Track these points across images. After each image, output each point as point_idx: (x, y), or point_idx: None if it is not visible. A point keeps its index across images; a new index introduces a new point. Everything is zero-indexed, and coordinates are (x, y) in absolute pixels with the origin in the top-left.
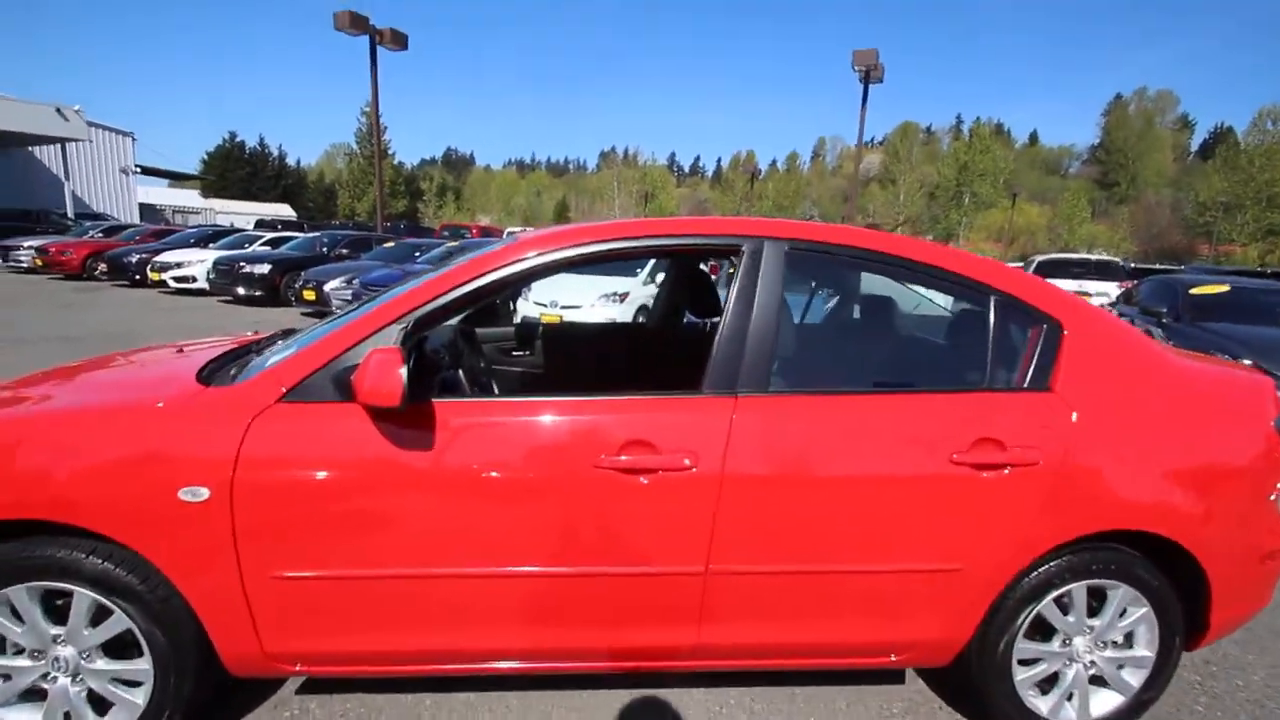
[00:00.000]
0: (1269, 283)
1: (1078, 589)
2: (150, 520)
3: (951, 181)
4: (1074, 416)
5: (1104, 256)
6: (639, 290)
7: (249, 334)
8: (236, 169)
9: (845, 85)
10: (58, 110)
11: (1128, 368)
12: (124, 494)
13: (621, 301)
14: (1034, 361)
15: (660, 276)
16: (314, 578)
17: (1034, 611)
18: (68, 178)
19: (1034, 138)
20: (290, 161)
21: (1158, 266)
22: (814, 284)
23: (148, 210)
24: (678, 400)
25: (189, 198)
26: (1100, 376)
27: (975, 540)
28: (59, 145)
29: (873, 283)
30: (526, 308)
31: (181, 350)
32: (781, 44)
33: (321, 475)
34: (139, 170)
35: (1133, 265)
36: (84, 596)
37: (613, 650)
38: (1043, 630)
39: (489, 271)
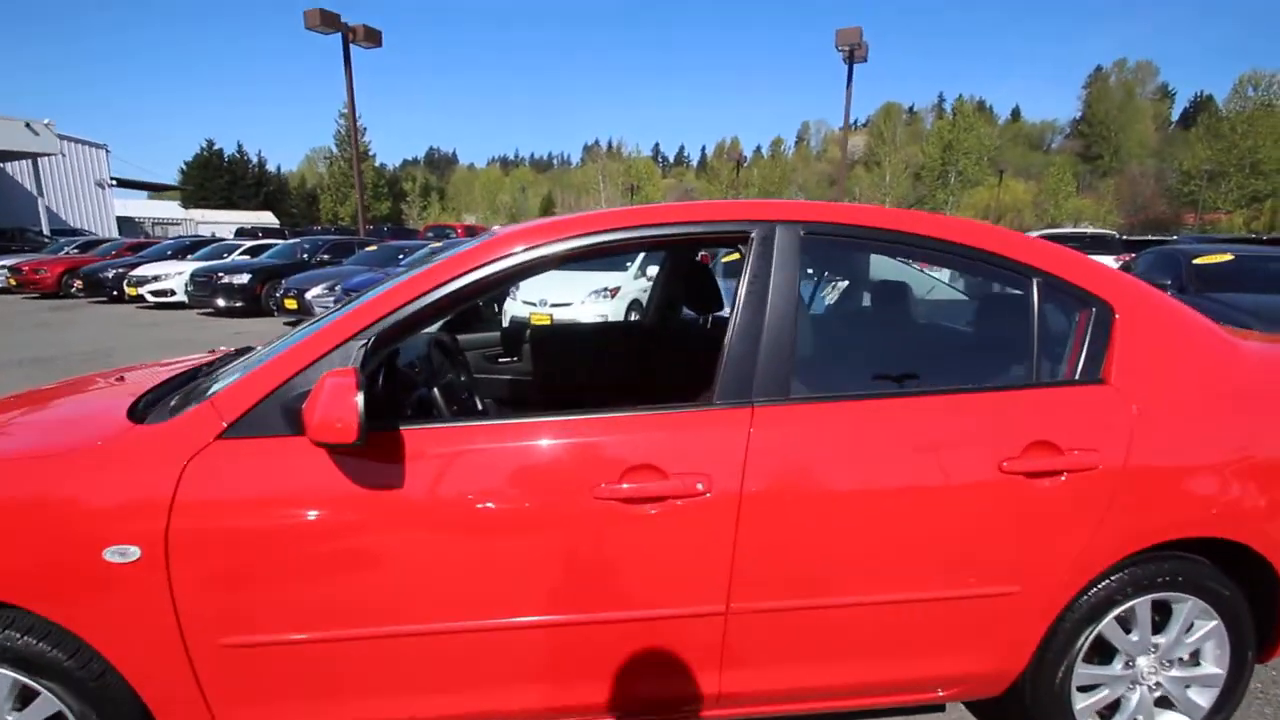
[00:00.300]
0: (1271, 249)
1: (1141, 604)
2: (72, 587)
3: (937, 161)
4: (1133, 410)
5: (1099, 230)
6: (630, 285)
7: (206, 354)
8: (216, 178)
9: (827, 68)
10: (27, 125)
11: (1187, 352)
12: (37, 558)
13: (612, 297)
14: (1084, 350)
15: (651, 270)
16: (270, 644)
17: (1094, 632)
18: (41, 193)
19: (1016, 114)
20: (271, 168)
21: (1150, 238)
22: (827, 272)
23: (126, 223)
24: (685, 414)
25: (169, 209)
26: (1158, 364)
27: (1029, 559)
28: (31, 161)
29: (883, 267)
30: (515, 308)
31: (123, 378)
32: (761, 29)
33: (272, 525)
34: (114, 183)
35: (1123, 238)
36: (3, 678)
37: (624, 705)
38: (1103, 652)
39: (469, 271)
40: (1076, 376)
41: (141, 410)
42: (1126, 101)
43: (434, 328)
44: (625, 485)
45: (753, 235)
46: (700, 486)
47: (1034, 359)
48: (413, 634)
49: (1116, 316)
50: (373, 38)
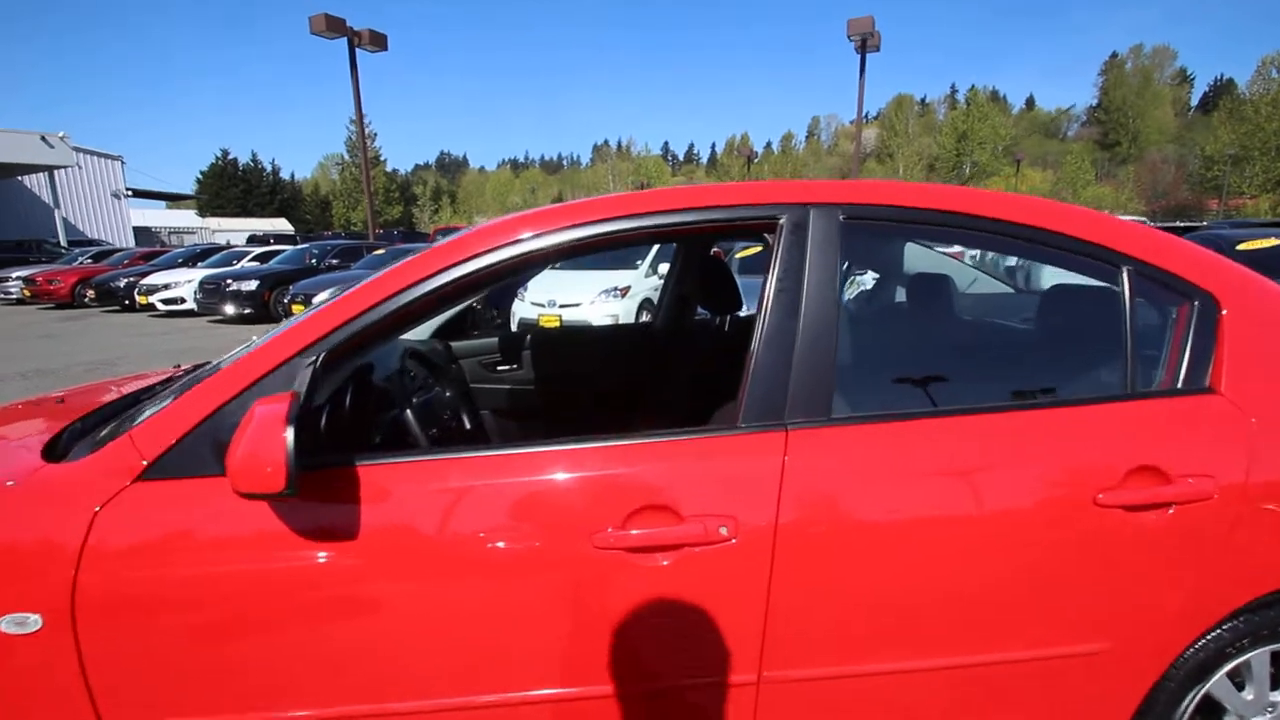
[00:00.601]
0: None
1: (1258, 657)
2: None
3: (951, 152)
4: (1251, 423)
5: (1128, 217)
6: (641, 283)
7: (170, 369)
8: (231, 186)
9: (837, 61)
10: (42, 138)
11: None
12: None
13: (623, 296)
14: (1185, 352)
15: (664, 267)
16: None
17: (1201, 692)
18: (58, 205)
19: (1030, 102)
20: (285, 175)
21: (1179, 225)
22: (856, 264)
23: (143, 233)
24: (704, 441)
25: (186, 218)
26: (1277, 366)
27: (1127, 611)
28: (47, 173)
29: (917, 257)
30: (523, 309)
31: (63, 400)
32: (770, 25)
33: (200, 588)
34: (130, 194)
35: (1155, 226)
36: None
37: None
38: (1210, 713)
39: (461, 262)
40: (1179, 385)
41: (65, 443)
42: (1144, 87)
43: (427, 333)
44: (632, 531)
45: (782, 222)
46: (724, 531)
47: (1127, 364)
48: (377, 715)
49: (1223, 311)
50: (378, 42)
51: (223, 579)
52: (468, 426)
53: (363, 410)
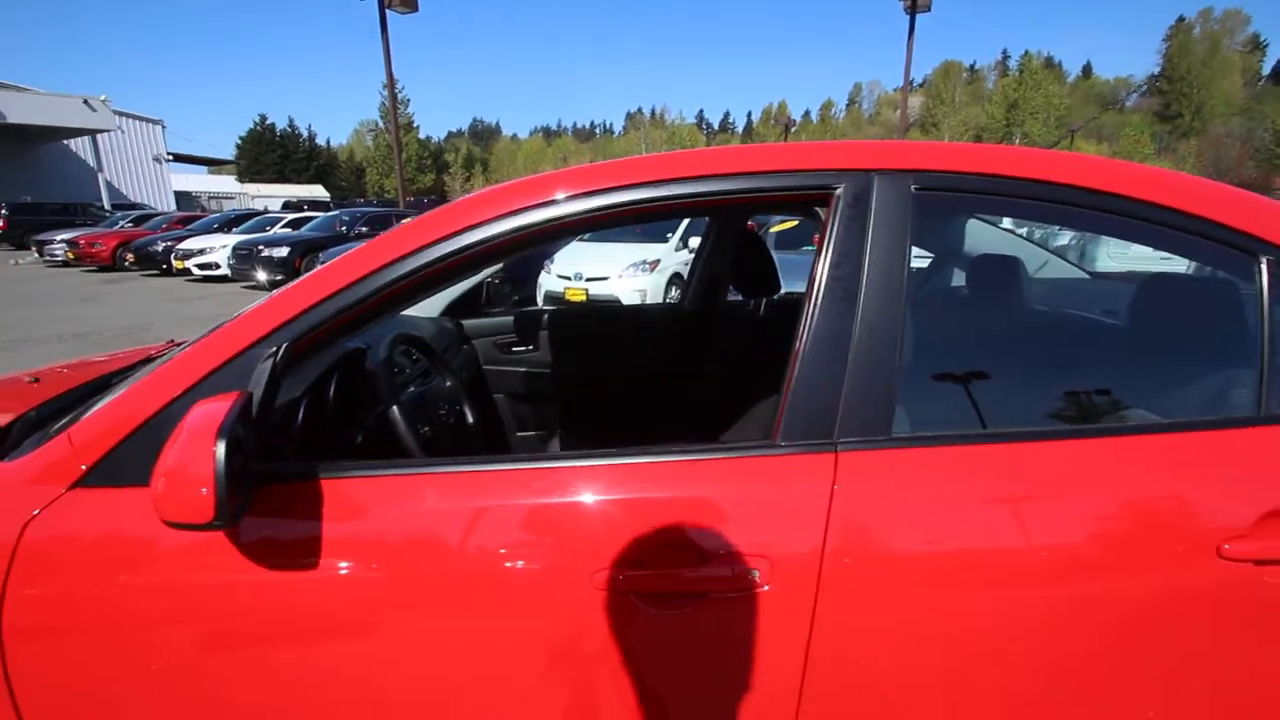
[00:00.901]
0: None
1: None
2: None
3: (1000, 122)
4: None
5: None
6: (670, 257)
7: (164, 344)
8: (269, 152)
9: (880, 24)
10: (84, 101)
11: None
12: None
13: (652, 270)
14: None
15: (695, 241)
16: None
17: None
18: (101, 168)
19: (1087, 70)
20: (321, 142)
21: None
22: (932, 246)
23: (184, 198)
24: (736, 462)
25: (226, 183)
26: None
27: (1251, 689)
28: (90, 137)
29: (978, 234)
30: (550, 281)
31: (38, 380)
32: None
33: (145, 615)
34: (171, 158)
35: None
36: None
37: None
38: None
39: (476, 226)
40: None
41: (17, 436)
42: (1212, 55)
43: (437, 310)
44: (643, 571)
45: (838, 192)
46: (756, 576)
47: (1260, 378)
48: None
49: None
50: (408, 2)
51: (159, 608)
52: (470, 420)
53: (350, 405)
